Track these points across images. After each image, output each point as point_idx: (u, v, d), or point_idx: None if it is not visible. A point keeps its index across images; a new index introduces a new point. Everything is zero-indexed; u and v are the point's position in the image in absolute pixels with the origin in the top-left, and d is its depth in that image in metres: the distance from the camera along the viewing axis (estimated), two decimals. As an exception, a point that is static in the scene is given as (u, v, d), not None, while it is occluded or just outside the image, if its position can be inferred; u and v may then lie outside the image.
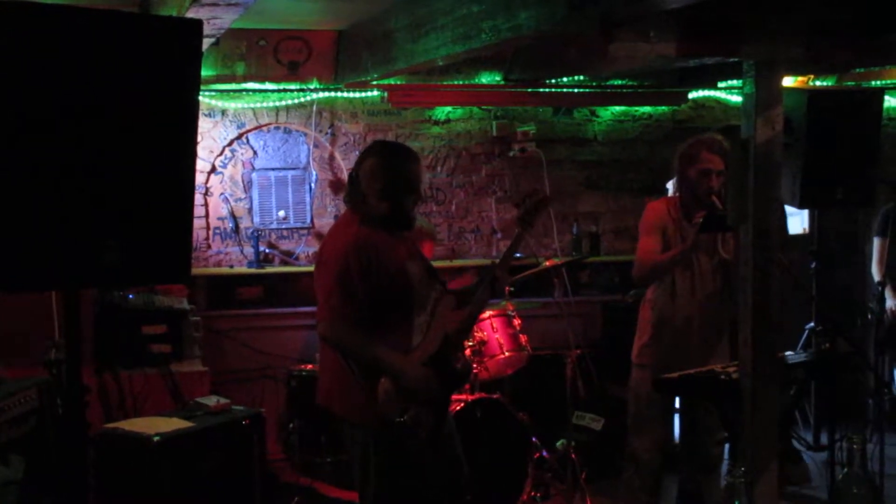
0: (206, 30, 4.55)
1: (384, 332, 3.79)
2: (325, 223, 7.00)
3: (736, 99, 7.73)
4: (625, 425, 5.07)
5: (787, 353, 4.51)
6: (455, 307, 4.07)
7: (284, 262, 7.01)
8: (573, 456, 5.59)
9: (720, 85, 7.67)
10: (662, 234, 4.79)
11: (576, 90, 7.41)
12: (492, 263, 4.14)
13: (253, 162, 6.94)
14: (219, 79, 6.75)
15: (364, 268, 3.71)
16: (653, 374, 4.52)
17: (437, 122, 7.32)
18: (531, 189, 5.43)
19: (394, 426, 3.73)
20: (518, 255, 6.95)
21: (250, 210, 6.94)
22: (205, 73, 6.42)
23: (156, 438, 4.46)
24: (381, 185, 3.83)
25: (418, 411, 3.77)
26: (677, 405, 5.20)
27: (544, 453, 5.70)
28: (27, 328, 4.84)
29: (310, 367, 5.98)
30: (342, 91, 7.01)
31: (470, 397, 5.38)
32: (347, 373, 3.77)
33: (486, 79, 7.26)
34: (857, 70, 7.13)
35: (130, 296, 5.84)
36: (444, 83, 7.17)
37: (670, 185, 5.70)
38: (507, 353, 5.66)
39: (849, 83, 7.42)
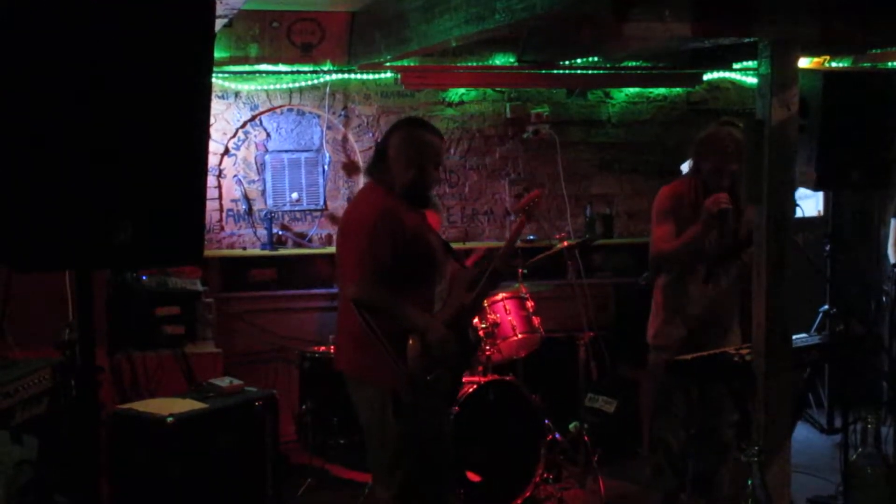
0: (219, 10, 4.55)
1: (408, 297, 3.93)
2: (339, 205, 7.00)
3: (751, 80, 7.68)
4: (637, 408, 5.05)
5: (801, 335, 4.49)
6: (467, 285, 4.14)
7: (297, 245, 7.01)
8: (586, 438, 5.60)
9: (735, 66, 7.62)
10: (675, 218, 4.76)
11: (590, 72, 7.37)
12: (492, 254, 4.23)
13: (266, 144, 6.93)
14: (232, 60, 6.74)
15: (391, 232, 3.86)
16: (669, 355, 4.50)
17: (450, 104, 7.30)
18: (529, 185, 5.43)
19: (418, 386, 3.86)
20: (531, 237, 7.01)
21: (263, 192, 6.94)
22: (218, 54, 6.41)
23: (169, 419, 4.47)
24: (410, 154, 3.98)
25: (441, 373, 3.92)
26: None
27: (557, 436, 5.69)
28: (41, 310, 4.85)
29: (322, 348, 5.98)
30: (355, 73, 6.99)
31: (483, 379, 5.37)
32: (370, 336, 3.86)
33: (499, 60, 7.23)
34: (874, 51, 7.07)
35: (144, 277, 5.85)
36: (458, 65, 7.14)
37: (685, 167, 5.65)
38: (519, 336, 5.65)
39: (865, 64, 7.37)
